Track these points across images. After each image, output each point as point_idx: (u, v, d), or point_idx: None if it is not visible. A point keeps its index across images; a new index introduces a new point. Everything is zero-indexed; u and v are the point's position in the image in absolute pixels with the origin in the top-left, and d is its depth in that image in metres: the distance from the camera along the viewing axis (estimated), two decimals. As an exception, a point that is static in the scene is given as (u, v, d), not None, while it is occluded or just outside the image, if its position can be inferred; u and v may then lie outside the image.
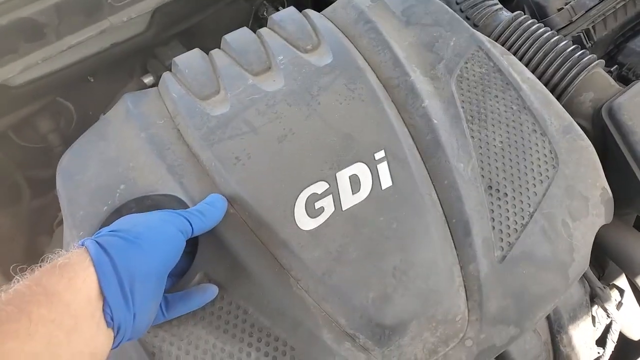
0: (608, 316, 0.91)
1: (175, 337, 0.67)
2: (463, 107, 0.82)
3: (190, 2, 1.18)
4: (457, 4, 1.10)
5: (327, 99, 0.80)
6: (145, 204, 0.76)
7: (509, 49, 1.01)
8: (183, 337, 0.67)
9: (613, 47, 1.23)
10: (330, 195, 0.72)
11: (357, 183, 0.73)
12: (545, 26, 1.04)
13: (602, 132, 0.92)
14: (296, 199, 0.72)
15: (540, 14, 1.16)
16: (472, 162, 0.77)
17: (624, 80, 1.18)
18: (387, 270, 0.69)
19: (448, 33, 0.89)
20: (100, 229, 0.65)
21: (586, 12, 1.15)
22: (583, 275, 0.88)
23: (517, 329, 0.71)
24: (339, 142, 0.76)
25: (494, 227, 0.74)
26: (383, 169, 0.74)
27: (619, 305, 0.97)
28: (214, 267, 0.69)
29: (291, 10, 0.92)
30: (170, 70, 0.89)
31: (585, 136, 0.84)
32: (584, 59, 0.97)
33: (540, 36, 1.01)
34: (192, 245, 0.71)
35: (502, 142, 0.79)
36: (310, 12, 0.92)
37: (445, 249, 0.72)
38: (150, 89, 0.89)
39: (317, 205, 0.72)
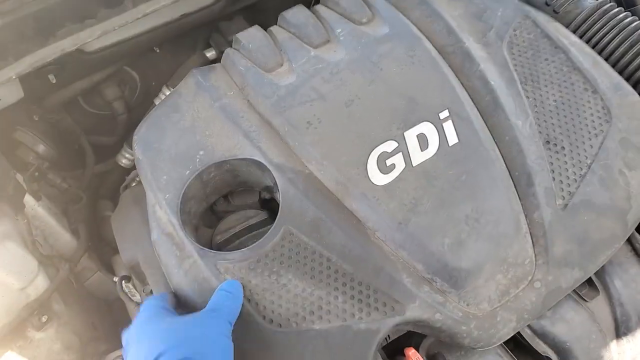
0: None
1: (267, 284, 0.72)
2: (516, 70, 0.87)
3: (258, -23, 1.17)
4: (537, -12, 1.03)
5: (388, 65, 0.85)
6: (224, 167, 0.82)
7: (590, 39, 0.97)
8: (274, 284, 0.72)
9: None
10: (400, 153, 0.78)
11: (424, 141, 0.78)
12: (632, 15, 0.95)
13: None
14: (368, 157, 0.77)
15: (627, 3, 1.07)
16: (530, 120, 0.82)
17: None
18: (460, 218, 0.74)
19: (495, 4, 0.94)
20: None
21: (680, 0, 1.05)
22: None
23: (581, 271, 0.76)
24: (403, 104, 0.81)
25: (554, 178, 0.79)
26: (449, 127, 0.79)
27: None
28: (296, 221, 0.75)
29: None
30: (232, 46, 0.94)
31: (635, 92, 0.87)
32: (677, 52, 0.90)
33: (627, 26, 0.93)
34: (271, 201, 0.74)
35: (555, 100, 0.84)
36: None
37: (511, 199, 0.77)
38: (215, 64, 0.94)
39: (389, 162, 0.77)
